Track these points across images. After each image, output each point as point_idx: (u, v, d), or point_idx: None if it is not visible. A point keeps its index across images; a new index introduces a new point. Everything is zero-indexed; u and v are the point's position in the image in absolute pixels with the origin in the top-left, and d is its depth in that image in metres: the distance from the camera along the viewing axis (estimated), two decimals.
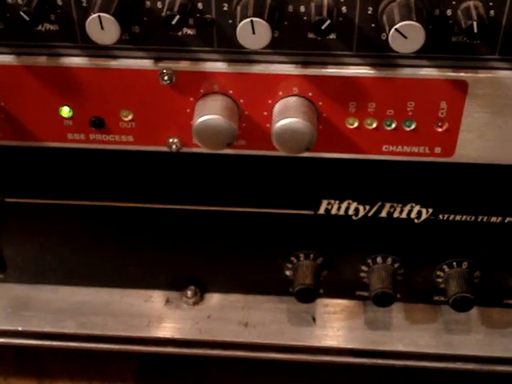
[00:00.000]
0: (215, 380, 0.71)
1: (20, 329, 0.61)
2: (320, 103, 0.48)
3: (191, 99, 0.49)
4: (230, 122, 0.47)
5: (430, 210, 0.55)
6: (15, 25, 0.47)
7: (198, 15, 0.46)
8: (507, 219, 0.55)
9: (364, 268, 0.59)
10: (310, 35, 0.46)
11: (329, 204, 0.56)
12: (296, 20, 0.45)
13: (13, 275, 0.63)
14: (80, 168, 0.55)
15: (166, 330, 0.61)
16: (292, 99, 0.48)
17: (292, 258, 0.59)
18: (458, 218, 0.55)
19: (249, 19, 0.43)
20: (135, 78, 0.48)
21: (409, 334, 0.60)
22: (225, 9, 0.45)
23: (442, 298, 0.61)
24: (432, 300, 0.62)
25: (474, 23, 0.42)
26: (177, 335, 0.60)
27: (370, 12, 0.45)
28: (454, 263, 0.58)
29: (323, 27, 0.43)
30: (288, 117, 0.46)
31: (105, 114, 0.50)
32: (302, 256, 0.59)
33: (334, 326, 0.61)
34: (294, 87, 0.48)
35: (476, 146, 0.50)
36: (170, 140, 0.51)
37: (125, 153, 0.52)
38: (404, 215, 0.56)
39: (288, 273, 0.60)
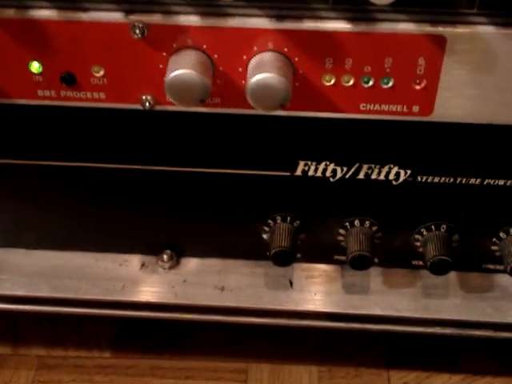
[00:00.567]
0: (193, 347, 0.70)
1: None
2: (296, 59, 0.47)
3: (164, 54, 0.47)
4: (203, 77, 0.45)
5: (409, 172, 0.55)
6: None
7: None
8: (486, 181, 0.54)
9: (342, 231, 0.59)
10: None
11: (306, 165, 0.55)
12: None
13: None
14: (51, 127, 0.53)
15: (141, 293, 0.60)
16: (267, 55, 0.46)
17: (269, 221, 0.59)
18: (436, 179, 0.55)
19: None
20: (106, 31, 0.47)
21: (386, 298, 0.60)
22: None
23: (421, 263, 0.60)
24: (410, 264, 0.61)
25: None
26: (152, 299, 0.59)
27: None
28: (433, 226, 0.57)
29: None
30: (262, 72, 0.45)
31: (76, 69, 0.49)
32: (279, 219, 0.58)
33: (311, 290, 0.60)
34: (269, 42, 0.46)
35: (455, 105, 0.49)
36: (143, 97, 0.50)
37: (97, 111, 0.51)
38: (382, 177, 0.55)
39: (265, 236, 0.59)
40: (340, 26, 0.46)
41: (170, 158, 0.55)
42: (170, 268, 0.61)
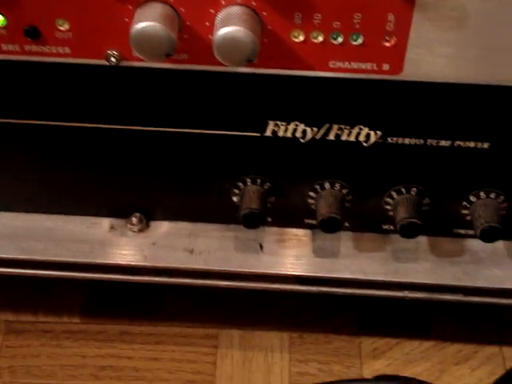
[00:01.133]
0: (164, 312, 0.70)
1: None
2: (264, 13, 0.46)
3: (130, 7, 0.46)
4: (167, 29, 0.44)
5: (379, 133, 0.54)
6: None
7: None
8: (456, 143, 0.54)
9: (312, 194, 0.58)
10: None
11: (275, 125, 0.54)
12: None
13: None
14: (15, 83, 0.52)
15: (109, 256, 0.59)
16: (234, 8, 0.46)
17: (239, 183, 0.58)
18: (407, 141, 0.54)
19: None
20: None
21: (356, 262, 0.60)
22: None
23: (391, 227, 0.60)
24: (381, 229, 0.61)
25: None
26: (120, 261, 0.58)
27: None
28: (403, 189, 0.57)
29: None
30: (229, 25, 0.45)
31: (40, 22, 0.48)
32: (248, 181, 0.58)
33: (281, 254, 0.60)
34: None
35: (425, 63, 0.49)
36: (109, 52, 0.49)
37: (63, 66, 0.50)
38: (352, 138, 0.54)
39: (235, 199, 0.59)
40: None
41: (136, 116, 0.54)
42: (140, 231, 0.61)
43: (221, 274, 0.59)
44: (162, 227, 0.61)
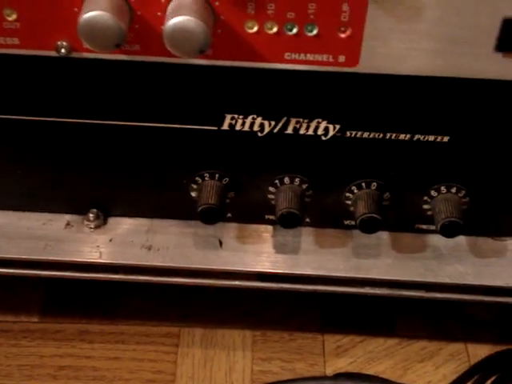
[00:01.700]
0: (124, 311, 0.69)
1: None
2: (216, 3, 0.45)
3: None
4: (116, 19, 0.43)
5: (337, 127, 0.53)
6: None
7: None
8: (416, 137, 0.53)
9: (272, 189, 0.57)
10: None
11: (232, 119, 0.53)
12: None
13: None
14: None
15: (65, 253, 0.57)
16: None
17: (197, 178, 0.57)
18: (366, 135, 0.53)
19: None
20: None
21: (317, 258, 0.59)
22: None
23: (353, 222, 0.59)
24: (343, 224, 0.60)
25: None
26: (75, 258, 0.57)
27: None
28: (363, 184, 0.56)
29: None
30: (180, 15, 0.44)
31: None
32: (207, 176, 0.56)
33: (242, 250, 0.59)
34: None
35: (381, 55, 0.48)
36: (59, 43, 0.48)
37: (11, 57, 0.49)
38: (311, 132, 0.54)
39: (193, 194, 0.58)
40: None
41: (90, 110, 0.53)
42: (96, 227, 0.59)
43: (179, 270, 0.58)
44: (119, 223, 0.60)
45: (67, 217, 0.60)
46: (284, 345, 0.67)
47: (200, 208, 0.55)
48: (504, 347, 0.66)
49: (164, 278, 0.59)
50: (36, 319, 0.68)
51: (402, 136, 0.53)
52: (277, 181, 0.57)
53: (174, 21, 0.43)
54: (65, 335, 0.66)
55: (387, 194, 0.57)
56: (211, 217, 0.56)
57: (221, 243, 0.60)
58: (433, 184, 0.56)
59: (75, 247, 0.58)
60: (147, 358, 0.65)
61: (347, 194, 0.57)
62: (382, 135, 0.53)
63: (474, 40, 0.47)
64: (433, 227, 0.58)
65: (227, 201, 0.58)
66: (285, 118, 0.53)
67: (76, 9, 0.46)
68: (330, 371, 0.65)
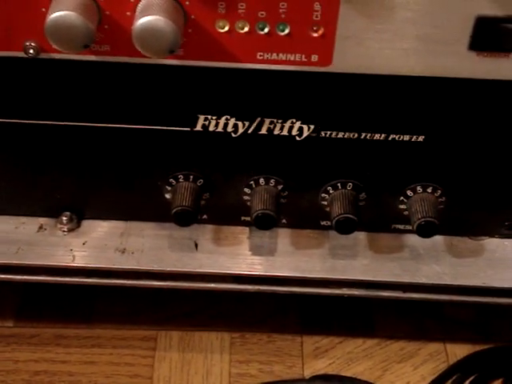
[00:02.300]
0: (100, 314, 0.68)
1: None
2: (187, 2, 0.45)
3: None
4: (84, 19, 0.43)
5: (312, 127, 0.53)
6: None
7: None
8: (391, 136, 0.53)
9: (247, 190, 0.57)
10: None
11: (206, 120, 0.52)
12: None
13: None
14: None
15: (37, 257, 0.56)
16: None
17: (171, 180, 0.56)
18: (340, 135, 0.53)
19: None
20: None
21: (294, 259, 0.58)
22: None
23: (329, 223, 0.59)
24: (319, 225, 0.60)
25: None
26: (48, 262, 0.56)
27: None
28: (339, 184, 0.56)
29: None
30: (149, 14, 0.43)
31: None
32: (181, 177, 0.56)
33: (217, 252, 0.58)
34: None
35: (354, 54, 0.47)
36: (27, 44, 0.47)
37: None
38: (285, 132, 0.53)
39: (168, 196, 0.57)
40: None
41: (60, 111, 0.52)
42: (70, 230, 0.58)
43: (153, 274, 0.57)
44: (93, 226, 0.59)
45: (40, 220, 0.59)
46: (262, 347, 0.67)
47: (174, 210, 0.55)
48: (483, 347, 0.67)
49: (138, 282, 0.58)
50: (11, 324, 0.67)
51: (377, 136, 0.53)
52: (252, 182, 0.56)
53: (142, 20, 0.43)
54: (40, 340, 0.66)
55: (363, 195, 0.57)
56: (185, 219, 0.55)
57: (196, 245, 0.59)
58: (409, 184, 0.56)
59: (48, 251, 0.57)
60: (124, 362, 0.65)
61: (323, 195, 0.57)
62: (356, 135, 0.53)
63: (448, 39, 0.47)
64: (410, 227, 0.58)
65: (202, 202, 0.57)
66: (259, 119, 0.52)
67: (44, 9, 0.45)
68: (308, 373, 0.65)
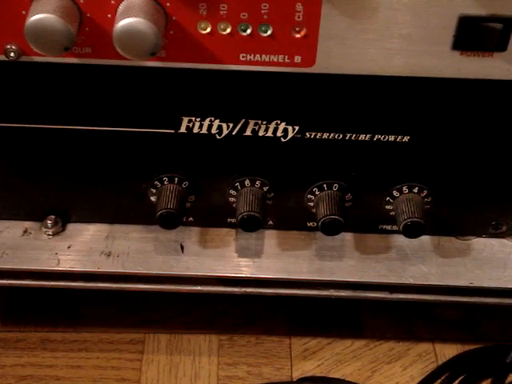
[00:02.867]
0: (87, 318, 0.67)
1: None
2: (168, 4, 0.45)
3: None
4: (64, 22, 0.42)
5: (297, 128, 0.52)
6: None
7: None
8: (376, 137, 0.53)
9: (232, 192, 0.56)
10: None
11: (190, 122, 0.52)
12: None
13: None
14: None
15: (22, 261, 0.56)
16: None
17: (156, 183, 0.56)
18: (325, 136, 0.53)
19: None
20: None
21: (281, 261, 0.58)
22: None
23: (316, 224, 0.59)
24: (306, 226, 0.59)
25: None
26: (33, 266, 0.56)
27: None
28: (325, 185, 0.56)
29: None
30: (129, 17, 0.43)
31: None
32: (166, 180, 0.56)
33: (203, 254, 0.58)
34: None
35: (337, 55, 0.47)
36: (8, 47, 0.46)
37: None
38: (270, 133, 0.53)
39: (153, 198, 0.57)
40: None
41: (44, 114, 0.52)
42: (55, 234, 0.58)
43: (139, 277, 0.57)
44: (78, 230, 0.59)
45: (25, 224, 0.59)
46: (251, 349, 0.66)
47: (159, 213, 0.54)
48: (471, 347, 0.67)
49: (124, 285, 0.58)
50: None
51: (361, 136, 0.53)
52: (237, 184, 0.56)
53: (123, 22, 0.42)
54: (26, 344, 0.65)
55: (349, 196, 0.56)
56: (170, 222, 0.55)
57: (182, 248, 0.59)
58: (395, 184, 0.56)
59: (33, 255, 0.57)
60: (111, 366, 0.64)
61: (309, 196, 0.57)
62: (341, 136, 0.53)
63: (431, 38, 0.47)
64: (396, 227, 0.58)
65: (188, 205, 0.57)
66: (243, 120, 0.52)
67: (24, 11, 0.45)
68: (297, 375, 0.65)
